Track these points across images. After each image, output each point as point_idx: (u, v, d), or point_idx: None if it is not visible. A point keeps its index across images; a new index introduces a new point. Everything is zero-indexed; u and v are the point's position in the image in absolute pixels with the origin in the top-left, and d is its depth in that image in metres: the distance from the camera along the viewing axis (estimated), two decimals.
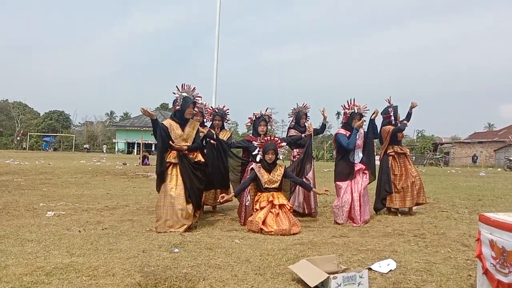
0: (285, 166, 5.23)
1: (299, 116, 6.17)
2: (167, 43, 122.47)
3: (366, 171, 5.59)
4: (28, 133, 53.60)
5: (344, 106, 5.63)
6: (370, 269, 3.19)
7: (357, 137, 5.44)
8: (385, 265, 3.25)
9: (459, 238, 4.41)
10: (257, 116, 5.86)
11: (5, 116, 61.67)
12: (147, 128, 47.37)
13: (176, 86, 4.94)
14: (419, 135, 56.66)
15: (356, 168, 5.50)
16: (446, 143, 46.25)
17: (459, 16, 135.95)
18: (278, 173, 5.09)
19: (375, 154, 5.97)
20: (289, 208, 4.94)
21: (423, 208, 6.63)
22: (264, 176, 5.05)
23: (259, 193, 5.05)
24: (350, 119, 5.54)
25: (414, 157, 42.81)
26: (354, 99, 5.58)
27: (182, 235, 4.42)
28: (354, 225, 5.25)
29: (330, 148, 38.92)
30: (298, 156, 5.96)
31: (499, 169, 26.78)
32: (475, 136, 47.91)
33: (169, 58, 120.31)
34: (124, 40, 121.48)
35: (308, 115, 6.28)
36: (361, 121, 5.49)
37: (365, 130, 5.73)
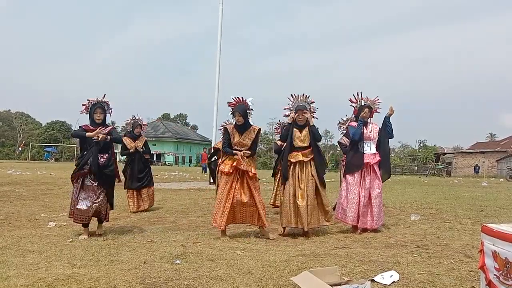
0: (259, 129, 5.10)
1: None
2: (169, 53, 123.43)
3: (377, 169, 5.45)
4: (30, 144, 53.65)
5: (351, 99, 5.64)
6: (373, 280, 3.17)
7: (361, 128, 5.42)
8: (388, 277, 3.23)
9: (462, 249, 4.39)
10: (92, 103, 5.06)
11: (7, 127, 61.92)
12: (148, 138, 47.30)
13: (288, 97, 5.36)
14: (421, 145, 56.61)
15: (366, 160, 5.41)
16: (448, 153, 46.19)
17: (460, 25, 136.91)
18: (249, 137, 5.01)
19: (389, 153, 5.86)
20: (251, 175, 4.93)
21: (426, 219, 6.60)
22: (235, 136, 5.00)
23: (225, 157, 5.00)
24: (359, 112, 5.54)
25: (416, 167, 42.87)
26: (361, 92, 5.59)
27: (184, 246, 4.41)
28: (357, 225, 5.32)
29: (332, 157, 38.81)
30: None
31: (501, 179, 26.67)
32: (477, 146, 47.83)
33: (171, 67, 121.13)
34: (126, 50, 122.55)
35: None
36: (364, 111, 5.47)
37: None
